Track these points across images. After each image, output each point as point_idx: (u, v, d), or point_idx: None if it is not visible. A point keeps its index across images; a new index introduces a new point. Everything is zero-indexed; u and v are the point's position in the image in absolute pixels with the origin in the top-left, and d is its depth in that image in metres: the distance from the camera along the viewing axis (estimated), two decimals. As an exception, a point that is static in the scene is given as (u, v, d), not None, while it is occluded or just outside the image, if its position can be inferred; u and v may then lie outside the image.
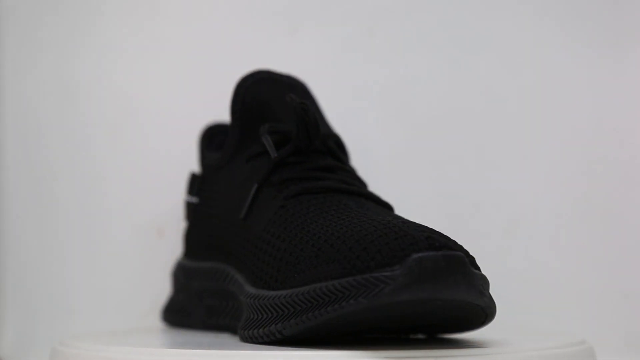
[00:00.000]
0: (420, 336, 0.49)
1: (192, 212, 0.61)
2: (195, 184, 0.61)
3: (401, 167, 0.70)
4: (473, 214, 0.71)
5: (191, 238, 0.62)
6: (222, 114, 0.65)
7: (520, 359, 0.44)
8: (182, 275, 0.62)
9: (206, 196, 0.59)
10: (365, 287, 0.41)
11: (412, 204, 0.70)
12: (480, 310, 0.44)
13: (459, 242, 0.44)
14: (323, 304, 0.42)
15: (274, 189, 0.51)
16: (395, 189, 0.69)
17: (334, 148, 0.53)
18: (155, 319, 0.68)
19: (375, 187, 0.56)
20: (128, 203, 0.73)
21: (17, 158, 0.75)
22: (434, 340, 0.48)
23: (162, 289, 0.70)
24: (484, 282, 0.43)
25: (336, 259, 0.43)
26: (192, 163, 0.72)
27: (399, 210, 0.53)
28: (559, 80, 0.72)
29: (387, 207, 0.51)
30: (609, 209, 0.70)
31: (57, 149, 0.74)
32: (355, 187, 0.50)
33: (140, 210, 0.73)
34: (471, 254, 0.45)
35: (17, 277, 0.74)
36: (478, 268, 0.44)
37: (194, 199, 0.61)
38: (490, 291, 0.45)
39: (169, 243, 0.72)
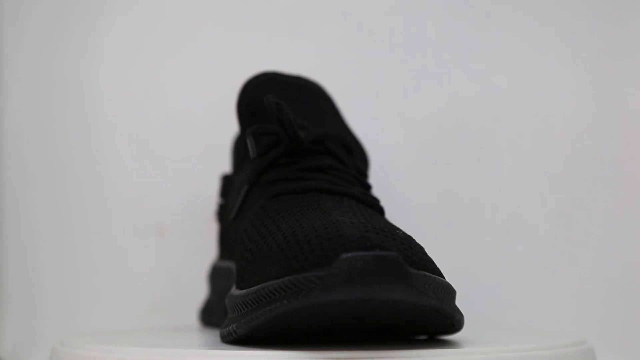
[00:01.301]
0: (423, 337, 0.49)
1: (220, 213, 0.63)
2: (223, 186, 0.62)
3: (401, 167, 0.70)
4: (472, 213, 0.71)
5: (219, 239, 0.64)
6: (223, 114, 0.65)
7: (520, 359, 0.44)
8: (211, 275, 0.65)
9: (228, 198, 0.60)
10: (297, 287, 0.41)
11: (412, 204, 0.70)
12: (432, 311, 0.43)
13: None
14: (265, 304, 0.43)
15: (262, 190, 0.51)
16: (395, 189, 0.69)
17: (333, 148, 0.53)
18: (155, 319, 0.68)
19: (375, 187, 0.56)
20: (128, 203, 0.73)
21: (17, 158, 0.75)
22: (433, 340, 0.48)
23: (162, 289, 0.70)
24: (426, 282, 0.42)
25: (279, 260, 0.43)
26: (192, 163, 0.72)
27: (399, 210, 0.53)
28: (559, 80, 0.72)
29: (375, 208, 0.50)
30: (608, 209, 0.70)
31: (57, 149, 0.74)
32: (340, 187, 0.49)
33: (140, 210, 0.73)
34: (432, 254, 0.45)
35: (17, 277, 0.74)
36: (429, 269, 0.43)
37: (222, 201, 0.62)
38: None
39: (169, 243, 0.72)
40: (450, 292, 0.44)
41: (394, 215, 0.63)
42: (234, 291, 0.47)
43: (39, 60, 0.75)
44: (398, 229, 0.45)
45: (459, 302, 0.69)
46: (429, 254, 0.45)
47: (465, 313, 0.68)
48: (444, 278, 0.44)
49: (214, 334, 0.54)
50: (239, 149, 0.58)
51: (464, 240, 0.69)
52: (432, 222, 0.71)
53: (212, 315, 0.63)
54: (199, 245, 0.71)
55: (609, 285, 0.70)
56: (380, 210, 0.51)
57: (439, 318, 0.44)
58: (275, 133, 0.52)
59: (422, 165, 0.71)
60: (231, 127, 0.63)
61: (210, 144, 0.71)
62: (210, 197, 0.69)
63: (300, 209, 0.47)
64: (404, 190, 0.70)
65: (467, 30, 0.73)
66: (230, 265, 0.58)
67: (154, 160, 0.73)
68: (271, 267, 0.43)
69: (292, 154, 0.52)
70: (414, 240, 0.45)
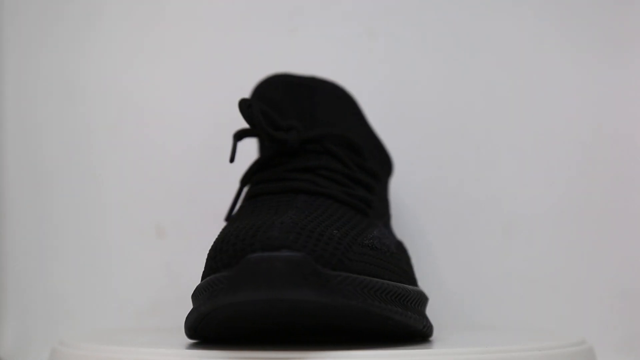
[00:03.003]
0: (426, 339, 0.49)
1: None
2: None
3: (401, 167, 0.70)
4: (473, 214, 0.71)
5: None
6: (223, 113, 0.65)
7: (520, 359, 0.44)
8: None
9: None
10: (212, 288, 0.42)
11: (411, 204, 0.70)
12: (358, 312, 0.42)
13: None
14: (194, 305, 0.44)
15: (251, 190, 0.52)
16: (395, 189, 0.69)
17: (332, 148, 0.53)
18: (155, 319, 0.68)
19: (375, 187, 0.56)
20: (128, 203, 0.73)
21: (16, 158, 0.75)
22: (433, 340, 0.48)
23: (161, 289, 0.70)
24: (344, 282, 0.42)
25: (207, 260, 0.44)
26: (192, 163, 0.72)
27: (398, 211, 0.53)
28: (559, 80, 0.72)
29: (357, 209, 0.50)
30: (608, 209, 0.70)
31: (57, 149, 0.74)
32: (318, 188, 0.49)
33: (140, 210, 0.73)
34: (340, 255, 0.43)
35: (16, 277, 0.74)
36: (356, 269, 0.43)
37: None
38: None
39: (169, 243, 0.72)
40: (389, 293, 0.44)
41: (394, 215, 0.63)
42: None
43: (40, 60, 0.75)
44: (336, 229, 0.45)
45: (459, 302, 0.69)
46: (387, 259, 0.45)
47: (466, 313, 0.69)
48: (389, 281, 0.44)
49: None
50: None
51: (464, 241, 0.69)
52: (432, 222, 0.71)
53: None
54: (199, 245, 0.70)
55: (609, 286, 0.70)
56: (363, 211, 0.50)
57: (373, 320, 0.43)
58: (256, 135, 0.52)
59: (422, 165, 0.71)
60: (231, 127, 0.63)
61: (210, 144, 0.71)
62: (210, 197, 0.69)
63: (261, 210, 0.48)
64: (403, 190, 0.70)
65: (467, 30, 0.73)
66: None
67: (154, 160, 0.73)
68: (204, 268, 0.45)
69: (288, 155, 0.52)
70: (349, 242, 0.44)
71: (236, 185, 0.55)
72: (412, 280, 0.49)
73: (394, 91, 0.73)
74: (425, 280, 0.65)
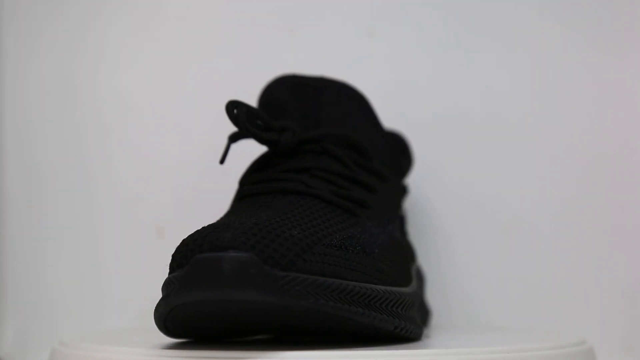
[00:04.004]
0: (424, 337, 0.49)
1: None
2: None
3: (401, 167, 0.70)
4: (472, 214, 0.71)
5: None
6: (223, 114, 0.65)
7: (520, 359, 0.44)
8: None
9: None
10: (167, 288, 0.43)
11: (412, 204, 0.70)
12: (309, 312, 0.42)
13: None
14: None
15: (240, 191, 0.52)
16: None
17: (331, 148, 0.53)
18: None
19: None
20: (128, 203, 0.73)
21: (16, 158, 0.75)
22: (432, 340, 0.48)
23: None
24: (292, 282, 0.42)
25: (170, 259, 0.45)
26: (192, 163, 0.72)
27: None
28: (559, 80, 0.72)
29: (344, 209, 0.50)
30: (609, 209, 0.70)
31: (57, 149, 0.74)
32: (310, 189, 0.49)
33: (140, 210, 0.73)
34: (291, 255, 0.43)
35: (17, 277, 0.74)
36: (309, 270, 0.43)
37: None
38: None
39: (169, 243, 0.72)
40: (349, 293, 0.43)
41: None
42: None
43: (40, 60, 0.75)
44: (303, 229, 0.45)
45: (459, 302, 0.69)
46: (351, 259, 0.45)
47: (466, 313, 0.69)
48: (354, 281, 0.44)
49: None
50: None
51: (464, 241, 0.69)
52: (432, 222, 0.71)
53: None
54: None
55: (609, 286, 0.70)
56: (351, 212, 0.50)
57: (329, 320, 0.43)
58: (249, 136, 0.52)
59: (422, 165, 0.71)
60: (232, 127, 0.63)
61: (210, 143, 0.71)
62: (210, 197, 0.69)
63: (242, 211, 0.48)
64: (404, 190, 0.70)
65: (467, 29, 0.73)
66: None
67: (154, 160, 0.73)
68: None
69: (286, 155, 0.52)
70: (310, 242, 0.44)
71: (236, 186, 0.55)
72: (395, 281, 0.48)
73: (394, 91, 0.73)
74: (425, 281, 0.65)
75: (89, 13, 0.75)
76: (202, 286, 0.41)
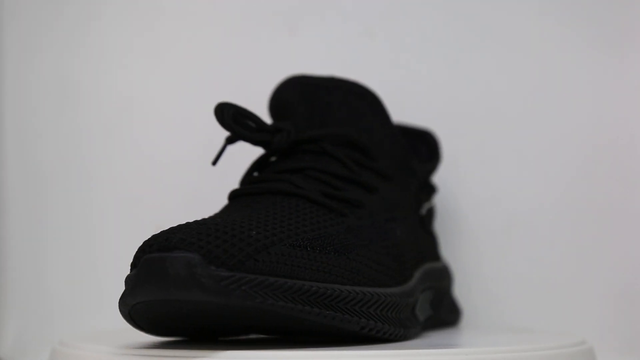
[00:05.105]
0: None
1: None
2: None
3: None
4: (473, 213, 0.71)
5: None
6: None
7: (520, 359, 0.44)
8: None
9: None
10: (125, 287, 0.44)
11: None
12: (266, 314, 0.42)
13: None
14: None
15: (232, 192, 0.52)
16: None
17: (329, 148, 0.52)
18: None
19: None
20: (128, 203, 0.73)
21: (16, 158, 0.75)
22: (431, 340, 0.48)
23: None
24: (237, 282, 0.42)
25: None
26: (191, 162, 0.72)
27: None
28: (559, 79, 0.72)
29: (330, 209, 0.50)
30: (608, 209, 0.70)
31: (57, 149, 0.74)
32: (298, 190, 0.49)
33: (140, 210, 0.73)
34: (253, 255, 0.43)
35: (17, 277, 0.74)
36: (262, 270, 0.43)
37: None
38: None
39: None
40: (305, 294, 0.43)
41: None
42: None
43: (40, 60, 0.75)
44: (265, 230, 0.45)
45: (458, 302, 0.69)
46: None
47: (465, 313, 0.69)
48: (314, 282, 0.44)
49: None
50: None
51: (464, 241, 0.69)
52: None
53: None
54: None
55: (609, 286, 0.70)
56: (338, 212, 0.50)
57: (282, 320, 0.43)
58: (243, 138, 0.52)
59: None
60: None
61: (210, 144, 0.71)
62: (210, 198, 0.69)
63: (224, 212, 0.48)
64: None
65: (467, 29, 0.73)
66: None
67: (154, 159, 0.73)
68: None
69: (285, 156, 0.53)
70: (268, 243, 0.44)
71: (236, 186, 0.55)
72: (374, 282, 0.48)
73: (394, 91, 0.73)
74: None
75: (89, 13, 0.75)
76: (150, 286, 0.42)
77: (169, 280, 0.41)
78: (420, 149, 0.65)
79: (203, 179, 0.71)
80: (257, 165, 0.54)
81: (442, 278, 0.61)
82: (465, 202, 0.71)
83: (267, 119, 0.57)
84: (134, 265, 0.44)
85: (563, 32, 0.72)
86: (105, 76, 0.74)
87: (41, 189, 0.74)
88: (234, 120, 0.51)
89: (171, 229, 0.44)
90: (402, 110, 0.72)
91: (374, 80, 0.72)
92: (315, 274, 0.44)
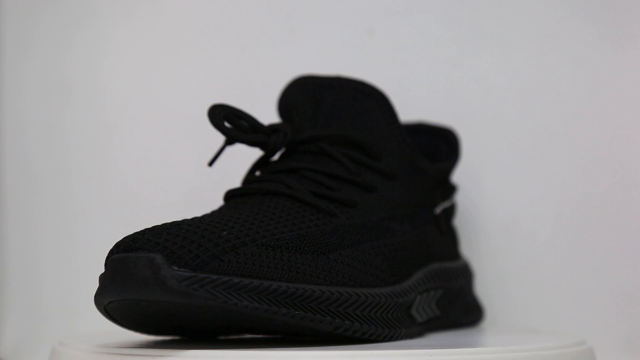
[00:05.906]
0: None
1: None
2: None
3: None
4: (472, 213, 0.71)
5: None
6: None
7: (520, 359, 0.44)
8: None
9: None
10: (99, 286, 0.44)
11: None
12: (230, 314, 0.43)
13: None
14: None
15: (227, 192, 0.52)
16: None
17: (327, 148, 0.52)
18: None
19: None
20: (128, 202, 0.73)
21: (17, 158, 0.75)
22: (431, 340, 0.48)
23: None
24: (197, 282, 0.42)
25: None
26: (191, 162, 0.72)
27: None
28: (559, 80, 0.72)
29: (319, 209, 0.49)
30: (609, 209, 0.70)
31: (57, 148, 0.74)
32: (289, 190, 0.49)
33: (140, 210, 0.73)
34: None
35: (17, 277, 0.74)
36: (222, 270, 0.43)
37: None
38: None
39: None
40: (273, 294, 0.43)
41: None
42: None
43: (41, 60, 0.75)
44: (238, 230, 0.45)
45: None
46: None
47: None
48: (283, 282, 0.44)
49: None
50: None
51: (464, 241, 0.69)
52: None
53: None
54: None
55: (609, 286, 0.70)
56: (327, 211, 0.50)
57: (249, 320, 0.43)
58: (237, 139, 0.52)
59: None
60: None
61: (210, 143, 0.71)
62: (210, 197, 0.69)
63: (214, 212, 0.48)
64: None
65: (467, 29, 0.73)
66: None
67: (154, 159, 0.73)
68: None
69: (284, 156, 0.53)
70: (238, 243, 0.44)
71: (236, 186, 0.55)
72: (356, 282, 0.47)
73: (394, 91, 0.72)
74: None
75: (85, 12, 0.75)
76: (116, 286, 0.42)
77: (132, 280, 0.42)
78: (440, 147, 0.64)
79: (203, 179, 0.71)
80: (258, 165, 0.54)
81: (453, 278, 0.59)
82: (465, 202, 0.71)
83: (269, 119, 0.57)
84: (105, 264, 0.44)
85: (563, 32, 0.72)
86: (104, 75, 0.74)
87: (41, 189, 0.74)
88: (227, 121, 0.51)
89: (143, 230, 0.44)
90: (401, 111, 0.72)
91: (374, 80, 0.72)
92: (286, 274, 0.44)
